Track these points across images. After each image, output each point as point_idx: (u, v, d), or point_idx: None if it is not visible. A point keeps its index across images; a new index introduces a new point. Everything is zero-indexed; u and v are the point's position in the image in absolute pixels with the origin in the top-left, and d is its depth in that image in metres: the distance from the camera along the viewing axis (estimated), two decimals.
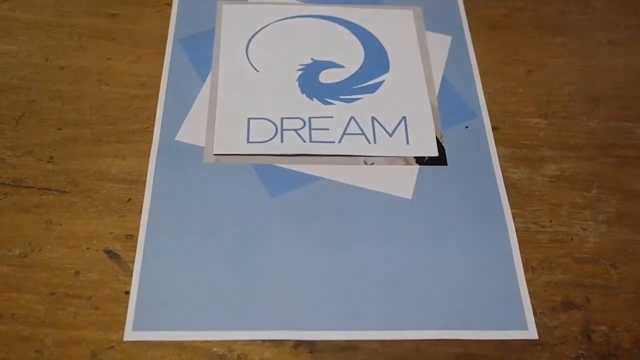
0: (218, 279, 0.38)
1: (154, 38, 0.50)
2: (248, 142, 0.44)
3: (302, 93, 0.47)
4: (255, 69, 0.48)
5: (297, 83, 0.48)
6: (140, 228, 0.40)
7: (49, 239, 0.40)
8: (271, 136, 0.45)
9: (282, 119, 0.46)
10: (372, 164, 0.44)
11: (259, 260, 0.39)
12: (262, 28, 0.51)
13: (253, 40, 0.50)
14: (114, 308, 0.37)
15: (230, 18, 0.51)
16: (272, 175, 0.43)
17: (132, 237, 0.40)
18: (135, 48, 0.49)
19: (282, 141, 0.44)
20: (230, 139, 0.44)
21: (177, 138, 0.44)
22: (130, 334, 0.36)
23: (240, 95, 0.47)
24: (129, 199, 0.42)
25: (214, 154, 0.44)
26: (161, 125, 0.45)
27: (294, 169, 0.43)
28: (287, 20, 0.51)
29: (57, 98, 0.46)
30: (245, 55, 0.49)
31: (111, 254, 0.39)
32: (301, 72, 0.48)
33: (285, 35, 0.51)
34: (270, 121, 0.45)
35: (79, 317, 0.37)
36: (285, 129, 0.45)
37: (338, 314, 0.37)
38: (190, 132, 0.45)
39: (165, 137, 0.44)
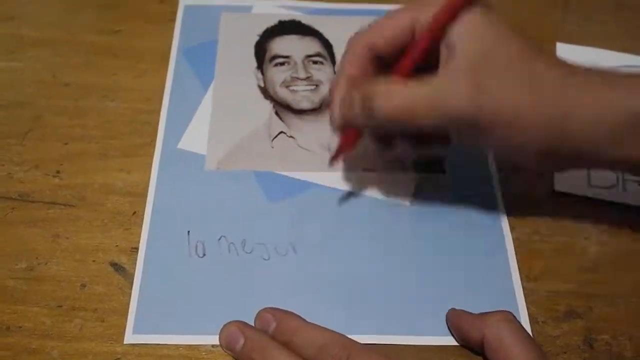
0: (219, 285, 0.39)
1: (157, 53, 0.51)
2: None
3: None
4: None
5: None
6: (142, 236, 0.41)
7: (55, 253, 0.40)
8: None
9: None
10: (372, 171, 0.44)
11: (259, 266, 0.40)
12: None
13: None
14: (120, 320, 0.38)
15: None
16: (272, 181, 0.44)
17: (137, 250, 0.40)
18: (140, 63, 0.50)
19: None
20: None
21: (179, 146, 0.45)
22: (130, 337, 0.37)
23: None
24: (134, 212, 0.42)
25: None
26: (164, 135, 0.46)
27: (293, 176, 0.44)
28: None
29: (63, 114, 0.47)
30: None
31: (117, 267, 0.40)
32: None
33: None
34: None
35: (85, 329, 0.37)
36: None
37: (337, 318, 0.38)
38: (193, 141, 0.46)
39: (167, 146, 0.45)
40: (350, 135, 0.39)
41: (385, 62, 0.37)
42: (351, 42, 0.38)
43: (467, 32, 0.34)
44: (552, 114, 0.33)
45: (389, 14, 0.37)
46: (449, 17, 0.35)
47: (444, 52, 0.35)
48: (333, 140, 0.46)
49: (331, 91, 0.39)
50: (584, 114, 0.33)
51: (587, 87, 0.33)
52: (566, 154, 0.34)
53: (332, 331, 0.34)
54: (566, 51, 0.52)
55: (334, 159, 0.41)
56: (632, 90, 0.33)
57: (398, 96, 0.34)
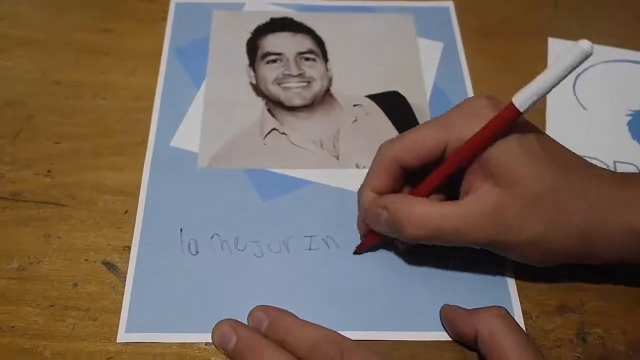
0: (212, 283, 0.39)
1: (149, 51, 0.50)
2: None
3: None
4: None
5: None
6: (134, 233, 0.41)
7: (47, 252, 0.40)
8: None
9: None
10: (364, 167, 0.44)
11: (252, 263, 0.40)
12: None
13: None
14: (112, 319, 0.37)
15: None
16: (265, 178, 0.44)
17: (129, 249, 0.40)
18: (131, 61, 0.50)
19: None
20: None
21: (171, 144, 0.45)
22: (123, 336, 0.37)
23: None
24: (126, 211, 0.42)
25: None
26: (156, 133, 0.46)
27: (285, 173, 0.44)
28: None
29: (54, 113, 0.47)
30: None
31: (109, 266, 0.40)
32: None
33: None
34: None
35: (77, 328, 0.37)
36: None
37: (331, 315, 0.38)
38: (185, 138, 0.45)
39: (159, 144, 0.45)
40: (376, 235, 0.39)
41: (411, 173, 0.38)
42: (380, 152, 0.38)
43: (501, 165, 0.35)
44: (576, 234, 0.35)
45: (421, 129, 0.38)
46: (483, 145, 0.35)
47: (472, 176, 0.36)
48: (325, 137, 0.46)
49: (358, 199, 0.40)
50: (605, 236, 0.35)
51: (607, 215, 0.35)
52: (588, 261, 0.38)
53: (326, 329, 0.34)
54: (557, 46, 0.52)
55: (358, 251, 0.40)
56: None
57: (426, 225, 0.35)
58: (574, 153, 0.38)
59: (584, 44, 0.31)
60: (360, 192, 0.40)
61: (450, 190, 0.38)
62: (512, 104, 0.33)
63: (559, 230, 0.35)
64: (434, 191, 0.37)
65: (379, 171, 0.38)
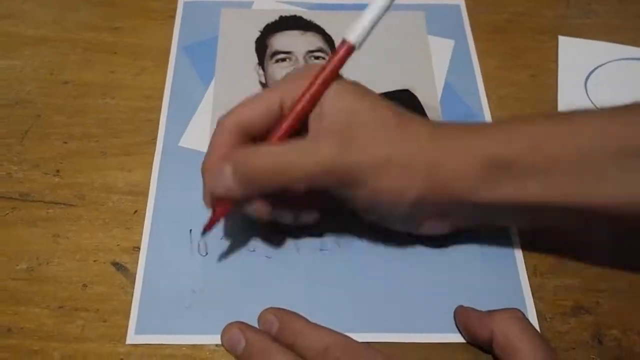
0: (222, 284, 0.39)
1: (157, 50, 0.50)
2: None
3: None
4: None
5: None
6: (143, 234, 0.40)
7: (56, 253, 0.40)
8: None
9: None
10: None
11: (262, 265, 0.39)
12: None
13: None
14: (122, 320, 0.37)
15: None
16: None
17: (138, 249, 0.40)
18: (139, 61, 0.49)
19: None
20: None
21: (180, 144, 0.45)
22: (133, 337, 0.37)
23: None
24: (136, 211, 0.42)
25: None
26: (165, 133, 0.45)
27: None
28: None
29: (63, 112, 0.46)
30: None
31: (118, 266, 0.39)
32: None
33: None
34: None
35: (87, 330, 0.37)
36: None
37: (342, 317, 0.37)
38: (194, 138, 0.45)
39: (168, 143, 0.45)
40: (224, 205, 0.37)
41: (256, 141, 0.36)
42: (220, 121, 0.36)
43: (336, 97, 0.34)
44: (425, 161, 0.34)
45: (257, 94, 0.36)
46: (317, 89, 0.34)
47: (313, 122, 0.34)
48: None
49: (202, 169, 0.37)
50: (452, 161, 0.34)
51: (455, 137, 0.35)
52: (440, 201, 0.35)
53: (336, 333, 0.33)
54: (569, 45, 0.52)
55: (207, 229, 0.38)
56: (492, 137, 0.34)
57: (266, 155, 0.34)
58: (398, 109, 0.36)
59: None
60: (205, 160, 0.36)
61: None
62: (345, 41, 0.34)
63: (410, 150, 0.34)
64: None
65: (222, 138, 0.35)
